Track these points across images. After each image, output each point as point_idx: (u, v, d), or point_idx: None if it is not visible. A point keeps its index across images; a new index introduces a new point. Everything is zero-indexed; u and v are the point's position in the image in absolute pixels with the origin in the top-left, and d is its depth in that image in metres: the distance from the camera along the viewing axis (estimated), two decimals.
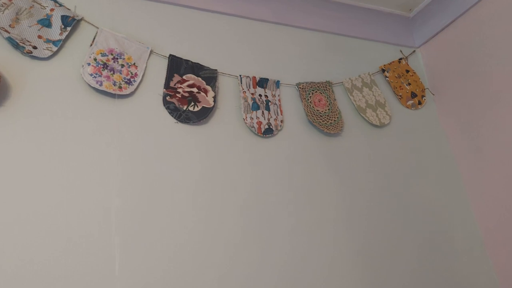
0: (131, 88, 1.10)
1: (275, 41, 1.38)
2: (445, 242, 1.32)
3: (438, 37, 1.55)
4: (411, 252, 1.25)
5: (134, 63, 1.14)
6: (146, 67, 1.15)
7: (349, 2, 1.56)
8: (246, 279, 1.02)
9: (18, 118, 0.96)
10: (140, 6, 1.21)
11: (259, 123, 1.22)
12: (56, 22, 1.08)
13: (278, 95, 1.29)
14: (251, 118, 1.22)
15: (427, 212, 1.34)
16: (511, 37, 1.29)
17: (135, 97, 1.11)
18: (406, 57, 1.58)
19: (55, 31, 1.07)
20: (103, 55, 1.10)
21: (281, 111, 1.28)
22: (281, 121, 1.27)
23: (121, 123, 1.07)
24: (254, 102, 1.24)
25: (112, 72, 1.09)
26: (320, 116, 1.31)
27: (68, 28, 1.08)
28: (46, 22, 1.06)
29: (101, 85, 1.06)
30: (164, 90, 1.15)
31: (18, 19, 1.03)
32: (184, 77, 1.18)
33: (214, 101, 1.19)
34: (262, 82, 1.28)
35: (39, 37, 1.04)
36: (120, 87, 1.09)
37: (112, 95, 1.08)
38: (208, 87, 1.20)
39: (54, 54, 1.06)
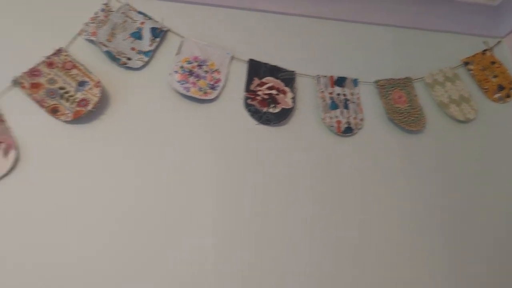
0: (215, 93, 1.16)
1: (351, 39, 1.37)
2: None
3: None
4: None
5: (217, 69, 1.19)
6: (228, 72, 1.20)
7: None
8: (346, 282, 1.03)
9: (118, 125, 1.05)
10: (219, 14, 1.27)
11: (338, 122, 1.22)
12: (146, 34, 1.15)
13: (357, 93, 1.28)
14: (330, 118, 1.22)
15: None
16: None
17: (219, 101, 1.16)
18: (491, 48, 1.49)
19: (146, 43, 1.15)
20: (189, 62, 1.16)
21: (360, 109, 1.27)
22: (361, 120, 1.25)
23: (207, 127, 1.12)
24: (333, 101, 1.24)
25: (197, 79, 1.15)
26: (401, 113, 1.28)
27: (157, 39, 1.16)
28: (137, 35, 1.15)
29: (188, 91, 1.12)
30: (245, 93, 1.19)
31: (114, 33, 1.12)
32: (263, 80, 1.21)
33: (293, 102, 1.21)
34: (340, 81, 1.28)
35: (132, 49, 1.13)
36: (205, 93, 1.14)
37: (199, 101, 1.14)
38: (287, 89, 1.22)
39: (146, 64, 1.13)
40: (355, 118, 1.25)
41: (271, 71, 1.23)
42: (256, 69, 1.22)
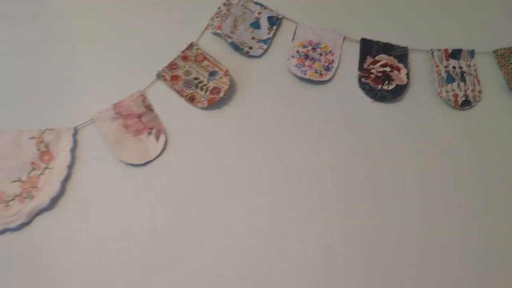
0: (330, 74, 1.21)
1: (463, 8, 1.34)
2: None
3: None
4: None
5: (330, 51, 1.24)
6: (340, 53, 1.25)
7: None
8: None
9: (244, 108, 1.16)
10: None
11: (455, 95, 1.21)
12: (264, 23, 1.24)
13: (474, 65, 1.25)
14: (447, 91, 1.21)
15: None
16: None
17: (334, 82, 1.22)
18: None
19: (264, 31, 1.24)
20: (304, 46, 1.23)
21: (478, 81, 1.24)
22: (479, 92, 1.23)
23: (322, 107, 1.18)
24: (448, 74, 1.23)
25: (313, 61, 1.21)
26: None
27: (274, 27, 1.24)
28: (256, 25, 1.24)
29: (305, 74, 1.19)
30: (359, 72, 1.23)
31: (236, 25, 1.22)
32: (376, 58, 1.24)
33: (407, 77, 1.22)
34: (455, 54, 1.26)
35: (253, 38, 1.23)
36: (320, 74, 1.21)
37: (315, 82, 1.20)
38: (400, 65, 1.24)
39: (265, 51, 1.22)
40: (473, 90, 1.23)
41: (384, 48, 1.25)
42: (369, 48, 1.25)
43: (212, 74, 1.16)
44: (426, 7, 1.33)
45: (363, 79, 1.22)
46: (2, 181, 1.00)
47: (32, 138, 1.04)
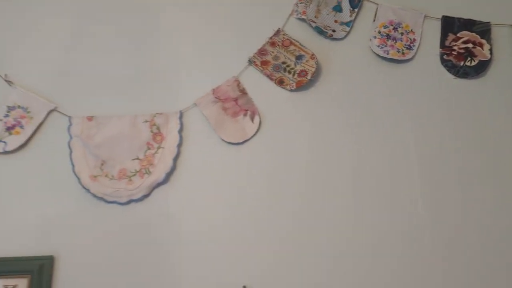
0: (411, 53, 1.26)
1: None
2: None
3: None
4: None
5: (411, 30, 1.28)
6: (421, 31, 1.28)
7: None
8: None
9: (330, 89, 1.24)
10: None
11: None
12: (346, 6, 1.30)
13: None
14: None
15: None
16: None
17: (415, 60, 1.26)
18: None
19: (346, 14, 1.30)
20: (385, 27, 1.28)
21: None
22: None
23: (405, 85, 1.24)
24: None
25: (394, 41, 1.26)
26: None
27: (356, 10, 1.30)
28: (338, 8, 1.30)
29: (387, 54, 1.25)
30: (441, 49, 1.26)
31: (319, 10, 1.29)
32: (458, 34, 1.27)
33: (491, 53, 1.24)
34: None
35: (335, 21, 1.29)
36: (403, 53, 1.25)
37: (397, 61, 1.26)
38: (483, 41, 1.25)
39: (348, 33, 1.29)
40: None
41: (465, 25, 1.27)
42: (450, 25, 1.28)
43: (299, 58, 1.25)
44: None
45: (445, 56, 1.25)
46: (124, 159, 1.17)
47: (146, 121, 1.20)
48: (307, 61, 1.24)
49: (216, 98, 1.22)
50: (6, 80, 1.23)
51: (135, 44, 1.28)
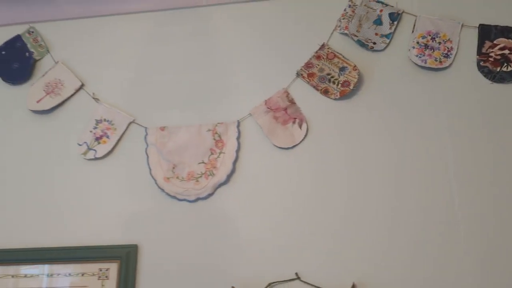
0: (449, 61, 1.35)
1: None
2: None
3: None
4: None
5: (449, 39, 1.37)
6: (459, 40, 1.37)
7: None
8: None
9: (372, 98, 1.36)
10: None
11: None
12: (385, 19, 1.41)
13: None
14: None
15: None
16: None
17: (452, 67, 1.35)
18: None
19: (386, 27, 1.41)
20: (423, 37, 1.38)
21: None
22: None
23: (442, 92, 1.33)
24: None
25: (432, 50, 1.36)
26: None
27: (395, 22, 1.41)
28: (378, 21, 1.42)
29: (425, 63, 1.35)
30: (477, 56, 1.34)
31: (360, 24, 1.42)
32: (495, 41, 1.34)
33: None
34: None
35: (376, 34, 1.41)
36: (440, 62, 1.35)
37: (434, 69, 1.36)
38: None
39: (387, 45, 1.40)
40: None
41: (502, 31, 1.34)
42: (487, 33, 1.35)
43: (342, 69, 1.38)
44: None
45: (481, 63, 1.34)
46: (191, 163, 1.38)
47: (209, 130, 1.39)
48: (349, 72, 1.37)
49: (268, 108, 1.39)
50: (94, 98, 1.47)
51: (199, 64, 1.48)
